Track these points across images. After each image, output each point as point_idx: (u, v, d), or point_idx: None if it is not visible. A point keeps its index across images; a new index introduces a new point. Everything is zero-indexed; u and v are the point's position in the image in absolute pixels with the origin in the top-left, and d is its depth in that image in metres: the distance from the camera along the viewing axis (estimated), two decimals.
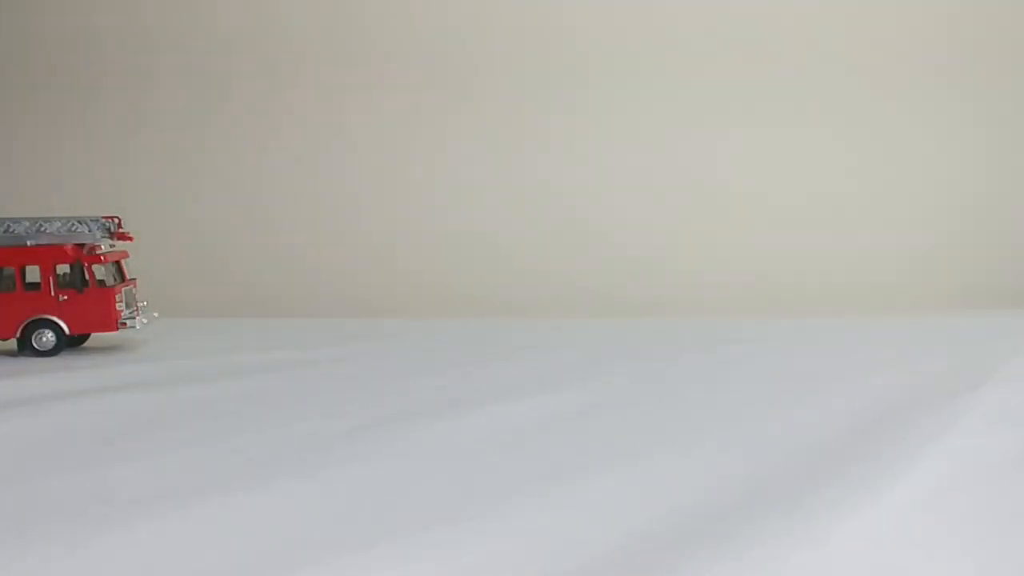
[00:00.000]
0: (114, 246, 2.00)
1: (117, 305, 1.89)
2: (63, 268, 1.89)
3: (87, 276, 1.87)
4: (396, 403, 1.44)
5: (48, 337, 1.87)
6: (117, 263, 2.02)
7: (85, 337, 2.04)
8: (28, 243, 1.87)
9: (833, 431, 1.27)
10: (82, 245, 1.90)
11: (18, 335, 1.86)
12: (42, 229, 1.89)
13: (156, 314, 2.02)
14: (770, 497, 0.93)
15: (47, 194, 3.26)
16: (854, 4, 3.29)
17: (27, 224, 1.90)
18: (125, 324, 1.90)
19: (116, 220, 1.97)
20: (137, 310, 2.00)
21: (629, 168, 3.19)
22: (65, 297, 1.87)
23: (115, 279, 1.97)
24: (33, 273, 1.90)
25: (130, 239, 1.99)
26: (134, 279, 2.05)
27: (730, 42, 3.26)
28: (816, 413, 1.40)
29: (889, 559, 0.75)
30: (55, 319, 1.86)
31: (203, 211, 3.12)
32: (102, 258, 1.91)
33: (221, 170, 2.89)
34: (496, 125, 3.21)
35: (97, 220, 1.92)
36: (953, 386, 1.58)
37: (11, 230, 1.89)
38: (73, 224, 1.90)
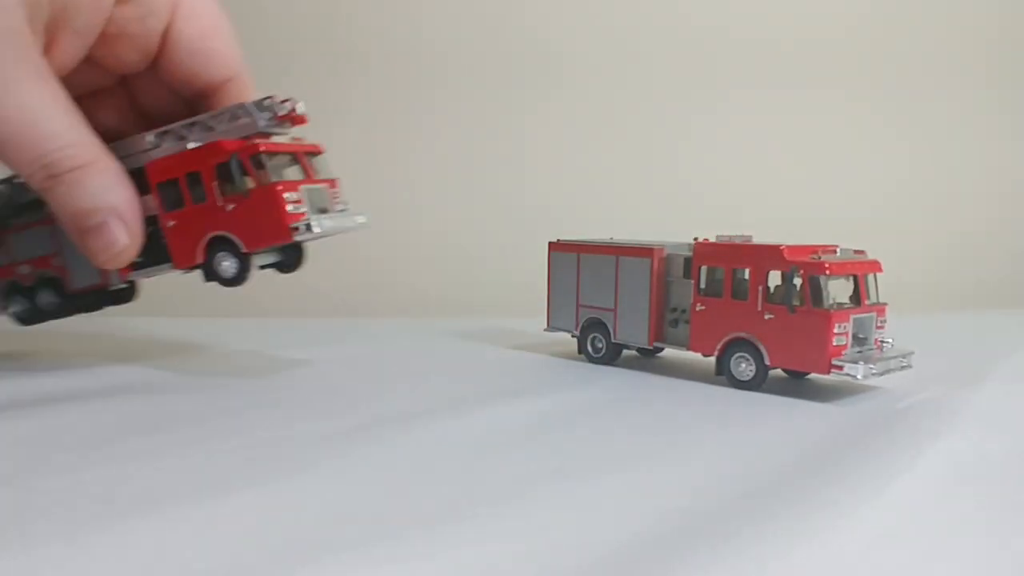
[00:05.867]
0: (297, 139, 1.64)
1: (289, 206, 1.50)
2: (229, 169, 1.53)
3: (247, 173, 1.52)
4: (397, 403, 1.44)
5: (229, 263, 1.56)
6: (292, 155, 1.60)
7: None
8: (188, 146, 1.58)
9: (833, 430, 1.27)
10: (248, 137, 1.55)
11: (201, 259, 1.59)
12: (207, 125, 1.57)
13: (362, 219, 1.66)
14: (770, 496, 0.93)
15: None
16: (881, 10, 3.30)
17: (195, 125, 1.58)
18: (298, 229, 1.49)
19: (288, 102, 1.58)
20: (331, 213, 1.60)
21: (632, 170, 3.19)
22: (232, 205, 1.56)
23: (295, 174, 1.60)
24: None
25: (303, 121, 1.61)
26: (332, 179, 1.69)
27: (745, 40, 3.27)
28: (816, 412, 1.41)
29: (889, 558, 0.75)
30: (226, 234, 1.57)
31: None
32: (260, 147, 1.51)
33: None
34: (490, 133, 3.22)
35: (261, 105, 1.56)
36: (953, 385, 1.59)
37: (179, 134, 1.60)
38: (229, 112, 1.56)
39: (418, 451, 1.13)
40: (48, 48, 1.44)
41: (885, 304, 1.55)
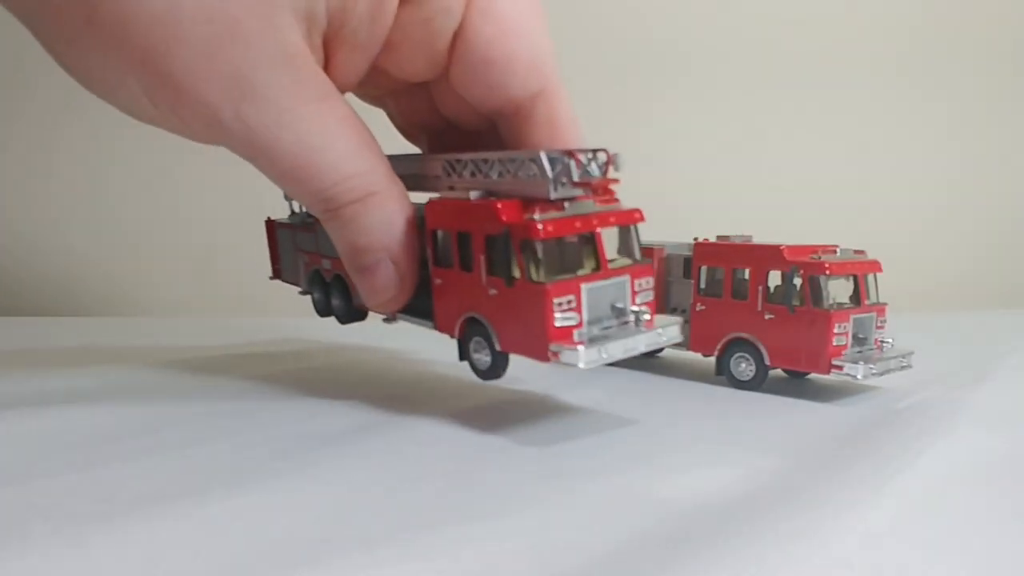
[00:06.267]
0: (607, 198, 1.21)
1: (556, 316, 1.11)
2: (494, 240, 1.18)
3: (514, 257, 1.13)
4: (397, 403, 1.44)
5: (481, 356, 1.26)
6: (589, 235, 1.17)
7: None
8: (471, 194, 1.22)
9: (833, 430, 1.27)
10: (530, 201, 1.14)
11: (458, 334, 1.31)
12: (482, 170, 1.24)
13: (664, 335, 1.20)
14: (770, 495, 0.93)
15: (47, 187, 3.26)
16: (888, 7, 3.30)
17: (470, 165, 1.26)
18: (559, 354, 1.09)
19: (596, 158, 1.15)
20: (638, 318, 1.18)
21: (632, 170, 3.19)
22: (495, 290, 1.19)
23: (578, 259, 1.18)
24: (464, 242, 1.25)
25: (609, 192, 1.21)
26: (641, 265, 1.23)
27: (745, 39, 3.27)
28: (816, 412, 1.41)
29: (889, 558, 0.75)
30: (483, 320, 1.23)
31: (204, 215, 3.12)
32: (538, 232, 1.09)
33: (224, 177, 2.88)
34: None
35: (557, 161, 1.12)
36: (953, 385, 1.59)
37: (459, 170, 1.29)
38: (521, 162, 1.16)
39: (418, 451, 1.13)
40: (327, 64, 1.25)
41: (885, 304, 1.55)
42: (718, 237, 1.67)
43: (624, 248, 1.22)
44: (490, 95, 1.32)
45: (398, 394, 1.51)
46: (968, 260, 3.40)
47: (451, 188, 1.27)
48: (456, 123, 1.46)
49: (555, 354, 1.08)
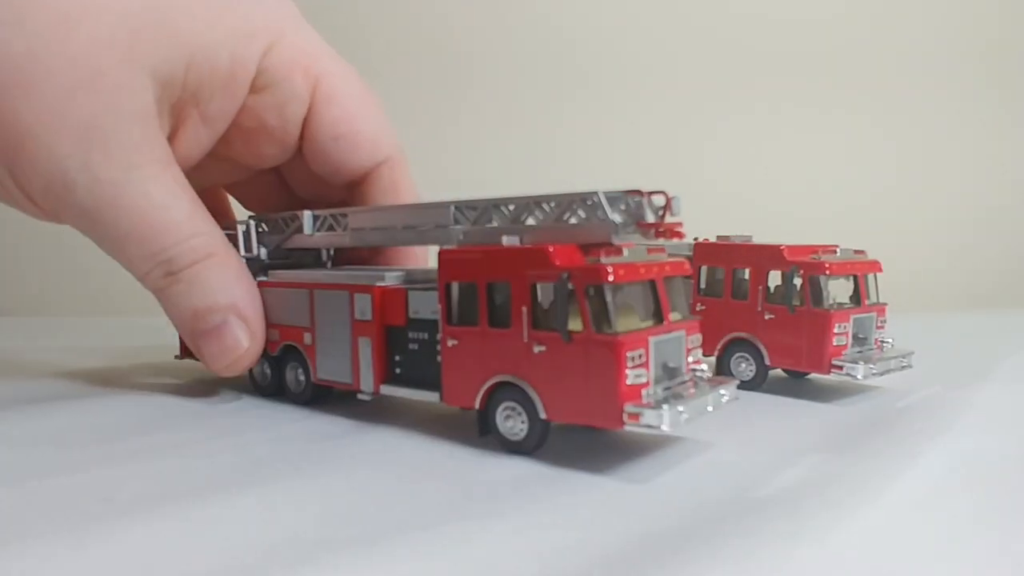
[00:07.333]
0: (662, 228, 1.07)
1: (628, 374, 0.98)
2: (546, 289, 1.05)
3: (578, 306, 1.00)
4: (396, 403, 1.44)
5: (514, 423, 1.09)
6: (651, 284, 1.07)
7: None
8: (504, 240, 1.11)
9: (833, 430, 1.27)
10: (591, 246, 1.05)
11: (479, 405, 1.14)
12: (523, 218, 1.14)
13: (726, 395, 1.12)
14: (770, 495, 0.93)
15: None
16: (883, 11, 3.30)
17: (511, 210, 1.16)
18: (638, 416, 0.97)
19: (650, 200, 1.06)
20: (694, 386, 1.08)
21: (632, 171, 3.19)
22: (541, 347, 1.04)
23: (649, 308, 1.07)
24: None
25: (680, 234, 1.10)
26: (691, 320, 1.13)
27: (745, 40, 3.27)
28: (816, 412, 1.40)
29: (889, 558, 0.75)
30: (522, 384, 1.07)
31: None
32: (607, 276, 0.98)
33: None
34: (493, 133, 3.21)
35: (619, 201, 1.05)
36: (953, 385, 1.58)
37: (488, 217, 1.19)
38: (576, 205, 1.08)
39: (418, 450, 1.13)
40: (173, 133, 1.34)
41: (885, 304, 1.55)
42: (718, 237, 1.67)
43: (675, 301, 1.11)
44: (342, 167, 1.48)
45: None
46: (968, 260, 3.40)
47: (464, 235, 1.17)
48: (308, 201, 1.59)
49: (633, 416, 0.95)
